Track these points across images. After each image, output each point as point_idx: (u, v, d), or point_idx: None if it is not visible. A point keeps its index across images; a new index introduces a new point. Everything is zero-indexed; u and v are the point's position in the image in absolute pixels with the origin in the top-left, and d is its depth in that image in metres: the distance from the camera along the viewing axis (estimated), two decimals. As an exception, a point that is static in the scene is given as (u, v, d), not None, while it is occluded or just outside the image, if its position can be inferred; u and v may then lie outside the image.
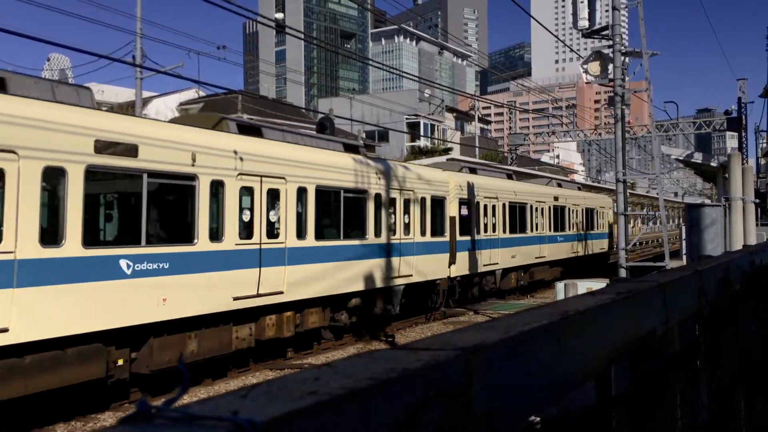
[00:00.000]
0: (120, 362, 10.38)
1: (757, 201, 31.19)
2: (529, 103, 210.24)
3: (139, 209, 10.51)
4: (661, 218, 20.60)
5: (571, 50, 36.71)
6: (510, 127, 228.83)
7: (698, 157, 37.08)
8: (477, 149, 57.05)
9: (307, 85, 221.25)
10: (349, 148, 16.77)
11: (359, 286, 15.66)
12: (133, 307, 10.21)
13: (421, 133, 61.15)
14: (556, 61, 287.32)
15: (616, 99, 19.32)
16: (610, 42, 19.45)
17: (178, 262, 10.95)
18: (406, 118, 60.54)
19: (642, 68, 20.04)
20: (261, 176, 12.80)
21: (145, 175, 10.48)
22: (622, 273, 19.07)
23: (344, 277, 15.11)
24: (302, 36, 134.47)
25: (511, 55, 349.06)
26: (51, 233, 9.22)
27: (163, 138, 10.95)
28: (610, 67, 19.29)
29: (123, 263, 10.08)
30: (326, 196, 14.73)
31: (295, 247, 13.60)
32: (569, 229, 31.15)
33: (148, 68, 26.95)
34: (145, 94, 36.11)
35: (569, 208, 31.16)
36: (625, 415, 2.43)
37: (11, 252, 8.66)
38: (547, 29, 24.57)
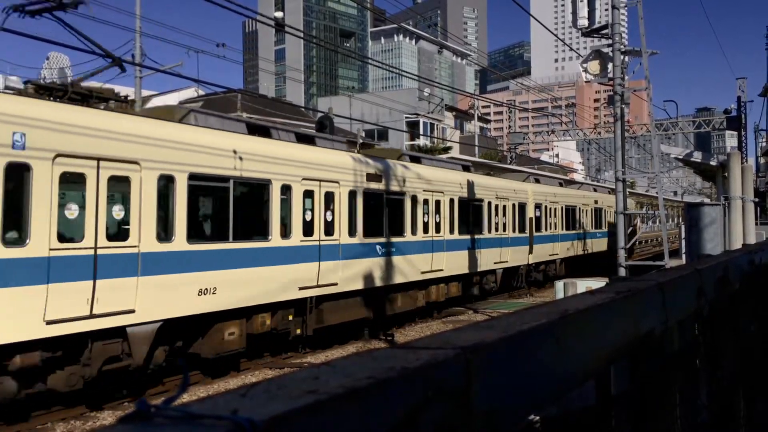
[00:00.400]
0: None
1: (757, 200, 31.22)
2: (529, 102, 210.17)
3: (382, 214, 17.08)
4: (660, 217, 20.59)
5: (571, 49, 36.67)
6: (509, 126, 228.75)
7: (698, 156, 37.05)
8: (476, 148, 57.01)
9: (307, 83, 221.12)
10: (465, 168, 23.95)
11: (478, 268, 22.34)
12: (382, 274, 16.77)
13: (421, 132, 61.11)
14: (556, 60, 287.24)
15: (616, 98, 19.31)
16: (610, 41, 19.44)
17: (399, 247, 17.61)
18: (406, 117, 60.51)
19: (641, 67, 20.03)
20: (433, 191, 19.52)
21: (384, 194, 17.20)
22: (622, 272, 19.08)
23: (471, 261, 21.72)
24: (302, 35, 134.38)
25: (511, 54, 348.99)
26: (352, 229, 15.85)
27: (390, 171, 17.55)
28: (610, 66, 19.28)
29: (377, 247, 16.73)
30: (463, 204, 21.37)
31: (448, 239, 20.19)
32: (604, 227, 37.38)
33: (148, 67, 26.90)
34: (145, 92, 36.03)
35: (604, 210, 37.39)
36: (625, 415, 2.43)
37: (337, 240, 15.28)
38: (546, 28, 24.56)
